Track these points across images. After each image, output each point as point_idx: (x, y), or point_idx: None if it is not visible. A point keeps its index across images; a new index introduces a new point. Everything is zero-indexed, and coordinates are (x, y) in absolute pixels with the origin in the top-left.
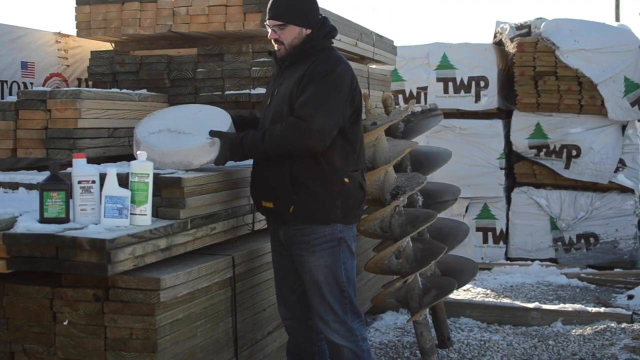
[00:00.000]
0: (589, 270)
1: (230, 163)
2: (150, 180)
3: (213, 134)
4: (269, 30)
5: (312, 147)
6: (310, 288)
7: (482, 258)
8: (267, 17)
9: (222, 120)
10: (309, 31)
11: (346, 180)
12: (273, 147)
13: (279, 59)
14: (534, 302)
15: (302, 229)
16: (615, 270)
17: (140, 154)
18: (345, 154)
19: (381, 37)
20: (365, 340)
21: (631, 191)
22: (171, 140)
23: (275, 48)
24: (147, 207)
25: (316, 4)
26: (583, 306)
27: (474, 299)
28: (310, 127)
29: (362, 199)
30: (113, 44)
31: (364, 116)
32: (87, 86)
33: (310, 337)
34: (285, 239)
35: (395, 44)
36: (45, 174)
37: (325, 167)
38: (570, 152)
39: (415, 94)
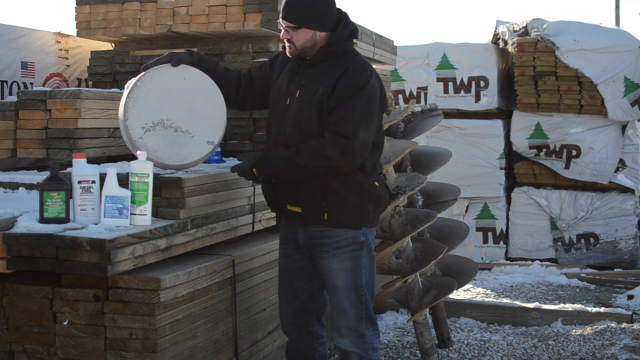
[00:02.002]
0: (589, 270)
1: (230, 162)
2: (150, 180)
3: (235, 168)
4: (282, 29)
5: (353, 164)
6: (328, 291)
7: (482, 258)
8: (281, 15)
9: (212, 99)
10: (323, 34)
11: (376, 183)
12: (311, 163)
13: (297, 58)
14: (534, 302)
15: (324, 230)
16: (615, 270)
17: (140, 154)
18: (375, 158)
19: (381, 37)
20: (377, 351)
21: (631, 191)
22: (170, 145)
23: (287, 47)
24: (147, 207)
25: (333, 5)
26: (583, 306)
27: (474, 299)
28: (353, 145)
29: (388, 201)
30: (113, 44)
31: None
32: (87, 86)
33: (310, 344)
34: (304, 240)
35: (395, 44)
36: (45, 174)
37: (358, 173)
38: (570, 152)
39: (415, 94)
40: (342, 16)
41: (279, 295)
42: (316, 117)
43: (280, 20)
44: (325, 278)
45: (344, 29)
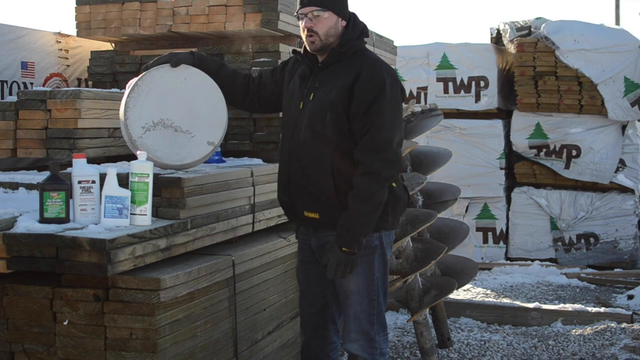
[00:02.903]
0: (589, 270)
1: (229, 162)
2: (150, 180)
3: (331, 272)
4: (302, 20)
5: (401, 166)
6: (340, 295)
7: (482, 258)
8: (302, 4)
9: (213, 99)
10: (343, 23)
11: (394, 184)
12: (375, 194)
13: (309, 60)
14: (534, 302)
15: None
16: (615, 270)
17: (140, 154)
18: None
19: (381, 37)
20: (384, 356)
21: (631, 191)
22: (170, 144)
23: (307, 41)
24: (147, 207)
25: None
26: (583, 306)
27: (474, 299)
28: (392, 151)
29: (407, 202)
30: (113, 44)
31: None
32: (87, 86)
33: (323, 347)
34: (317, 246)
35: (395, 44)
36: (45, 174)
37: None
38: (570, 152)
39: (415, 94)
40: (351, 16)
41: (299, 299)
42: (330, 118)
43: (302, 9)
44: (337, 283)
45: (354, 28)
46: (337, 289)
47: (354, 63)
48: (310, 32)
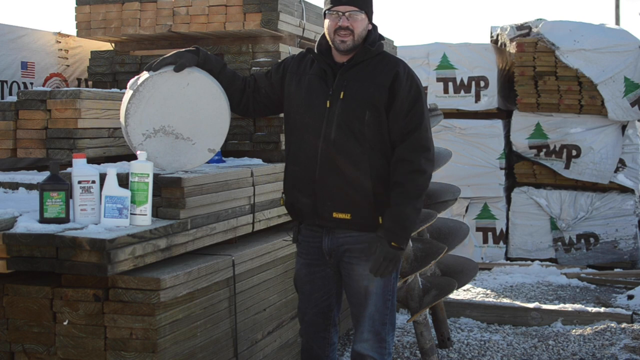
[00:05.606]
0: (589, 270)
1: (229, 162)
2: (150, 180)
3: (379, 270)
4: (336, 18)
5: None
6: (354, 296)
7: (482, 258)
8: (338, 2)
9: (216, 105)
10: (369, 27)
11: None
12: (423, 190)
13: (327, 59)
14: (534, 302)
15: (357, 236)
16: (615, 270)
17: (140, 154)
18: None
19: None
20: (390, 355)
21: (631, 191)
22: (170, 151)
23: (337, 39)
24: (147, 207)
25: None
26: (583, 306)
27: (474, 299)
28: (433, 152)
29: None
30: (113, 44)
31: None
32: (87, 86)
33: (324, 348)
34: (331, 248)
35: (395, 44)
36: (45, 174)
37: None
38: (570, 152)
39: None
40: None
41: (299, 302)
42: (370, 116)
43: (338, 7)
44: (354, 284)
45: (374, 31)
46: (352, 290)
47: (385, 62)
48: (347, 30)
